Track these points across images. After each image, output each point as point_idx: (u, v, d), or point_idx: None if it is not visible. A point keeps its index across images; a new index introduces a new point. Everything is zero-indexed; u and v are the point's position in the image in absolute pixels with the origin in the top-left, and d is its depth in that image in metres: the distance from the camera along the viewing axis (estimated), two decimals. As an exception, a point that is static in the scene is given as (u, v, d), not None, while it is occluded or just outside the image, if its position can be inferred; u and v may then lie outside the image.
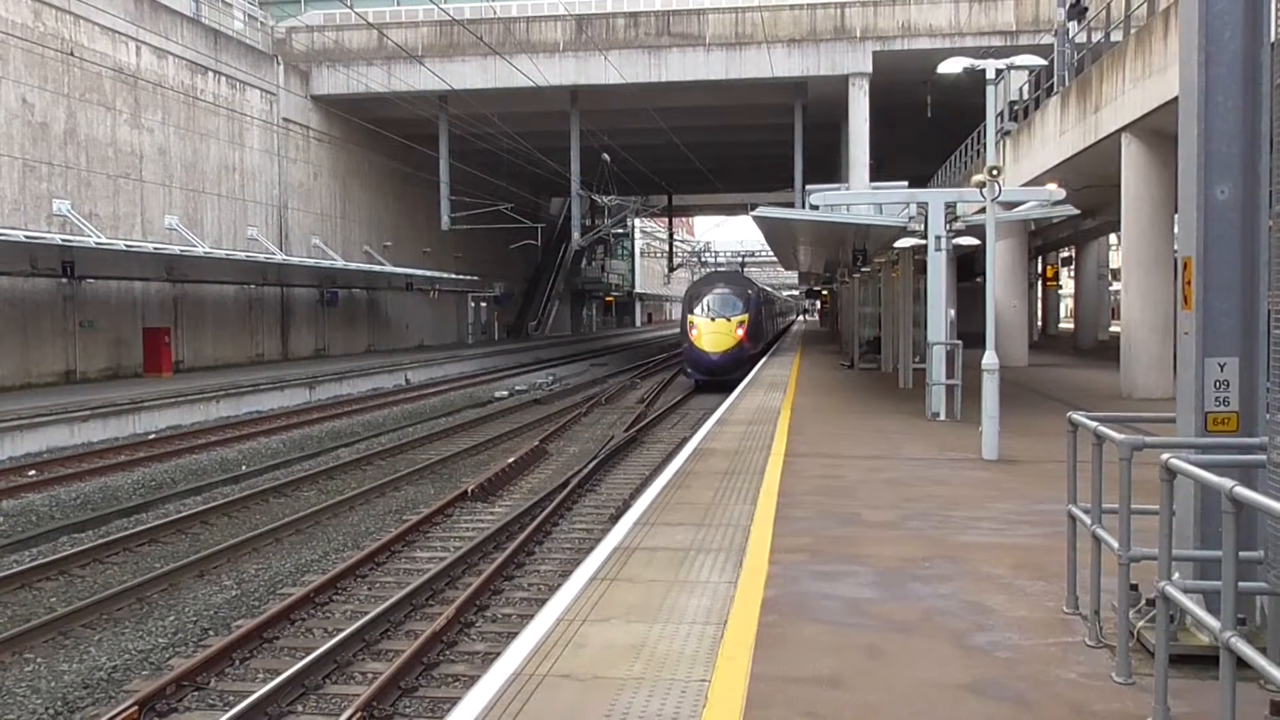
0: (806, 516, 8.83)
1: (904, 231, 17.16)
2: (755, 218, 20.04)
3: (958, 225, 16.62)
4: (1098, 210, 30.21)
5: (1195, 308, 5.25)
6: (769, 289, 60.91)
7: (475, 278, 46.56)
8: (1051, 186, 18.35)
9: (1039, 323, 50.30)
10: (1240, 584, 3.86)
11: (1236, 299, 5.19)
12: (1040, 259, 48.99)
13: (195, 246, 27.94)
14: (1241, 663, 3.65)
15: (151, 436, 20.92)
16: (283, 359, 35.45)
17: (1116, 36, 20.94)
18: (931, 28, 34.70)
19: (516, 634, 6.06)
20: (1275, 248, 4.52)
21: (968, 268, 35.60)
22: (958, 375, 16.00)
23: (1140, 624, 5.20)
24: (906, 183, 21.55)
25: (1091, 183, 23.87)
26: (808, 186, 30.68)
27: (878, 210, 18.70)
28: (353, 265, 36.52)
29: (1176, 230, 14.22)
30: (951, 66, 15.82)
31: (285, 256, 33.43)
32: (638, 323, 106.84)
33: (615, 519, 11.46)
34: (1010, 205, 17.25)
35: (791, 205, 36.56)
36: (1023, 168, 26.19)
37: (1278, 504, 3.73)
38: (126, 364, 27.57)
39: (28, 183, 24.56)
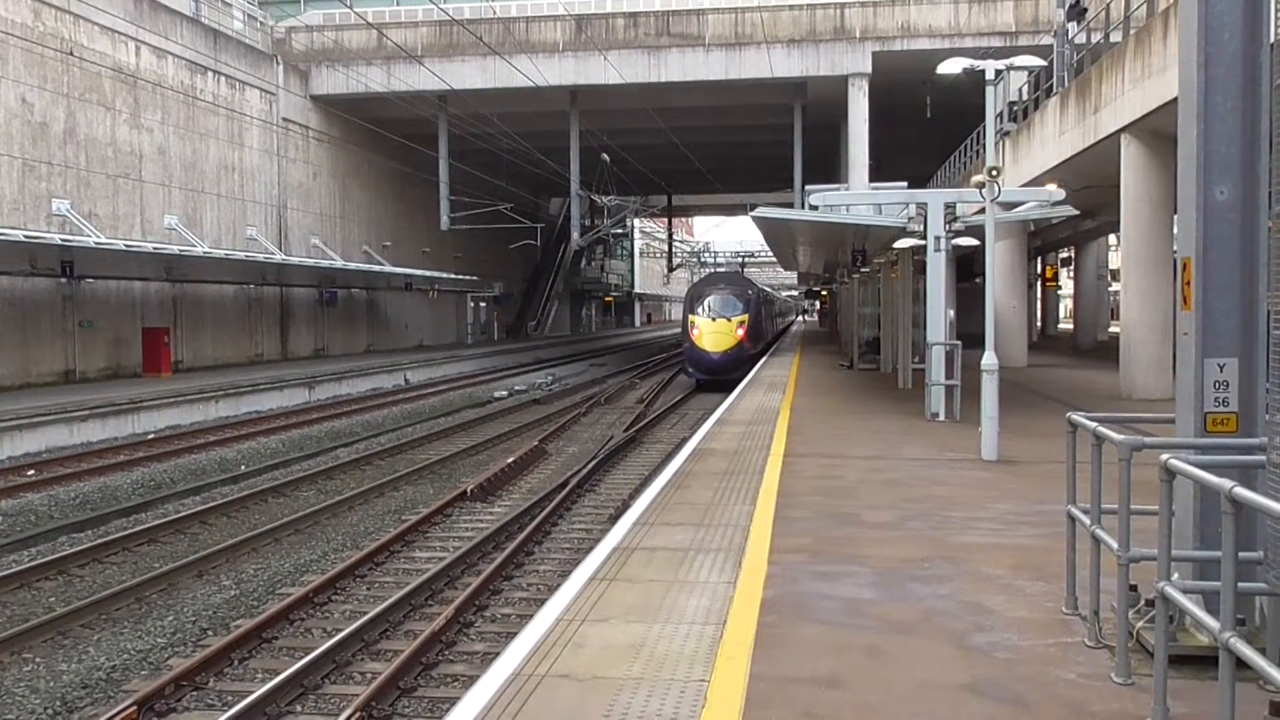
0: (806, 517, 8.83)
1: (903, 232, 17.17)
2: (755, 218, 20.05)
3: (957, 226, 16.63)
4: (1097, 211, 30.22)
5: (1195, 308, 5.25)
6: (768, 289, 60.97)
7: (474, 278, 46.55)
8: (1051, 187, 18.37)
9: (1038, 323, 50.33)
10: (1239, 584, 3.86)
11: (1236, 299, 5.19)
12: (1039, 259, 49.01)
13: (194, 246, 27.93)
14: (1241, 663, 3.65)
15: (150, 436, 20.91)
16: (282, 359, 35.44)
17: (1116, 37, 20.95)
18: (931, 28, 34.70)
19: (515, 634, 6.05)
20: (1274, 248, 4.52)
21: (967, 268, 35.61)
22: (957, 376, 16.00)
23: (1140, 624, 5.20)
24: (906, 183, 21.54)
25: (1091, 183, 23.88)
26: (807, 187, 30.72)
27: (877, 211, 18.70)
28: (352, 265, 36.51)
29: (1176, 231, 14.23)
30: (951, 67, 15.83)
31: (284, 256, 33.43)
32: (637, 323, 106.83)
33: (614, 519, 11.45)
34: (1010, 206, 17.26)
35: (791, 206, 36.56)
36: (1022, 168, 26.20)
37: (1277, 504, 3.73)
38: (126, 364, 27.56)
39: (27, 182, 24.55)
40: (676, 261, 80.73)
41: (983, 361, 12.63)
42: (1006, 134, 27.01)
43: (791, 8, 35.81)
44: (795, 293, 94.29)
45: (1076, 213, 18.19)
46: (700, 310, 32.39)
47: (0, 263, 23.03)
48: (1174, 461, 4.33)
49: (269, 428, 22.37)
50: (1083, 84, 21.27)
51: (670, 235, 74.57)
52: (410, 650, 8.01)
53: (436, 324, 48.97)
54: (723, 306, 32.31)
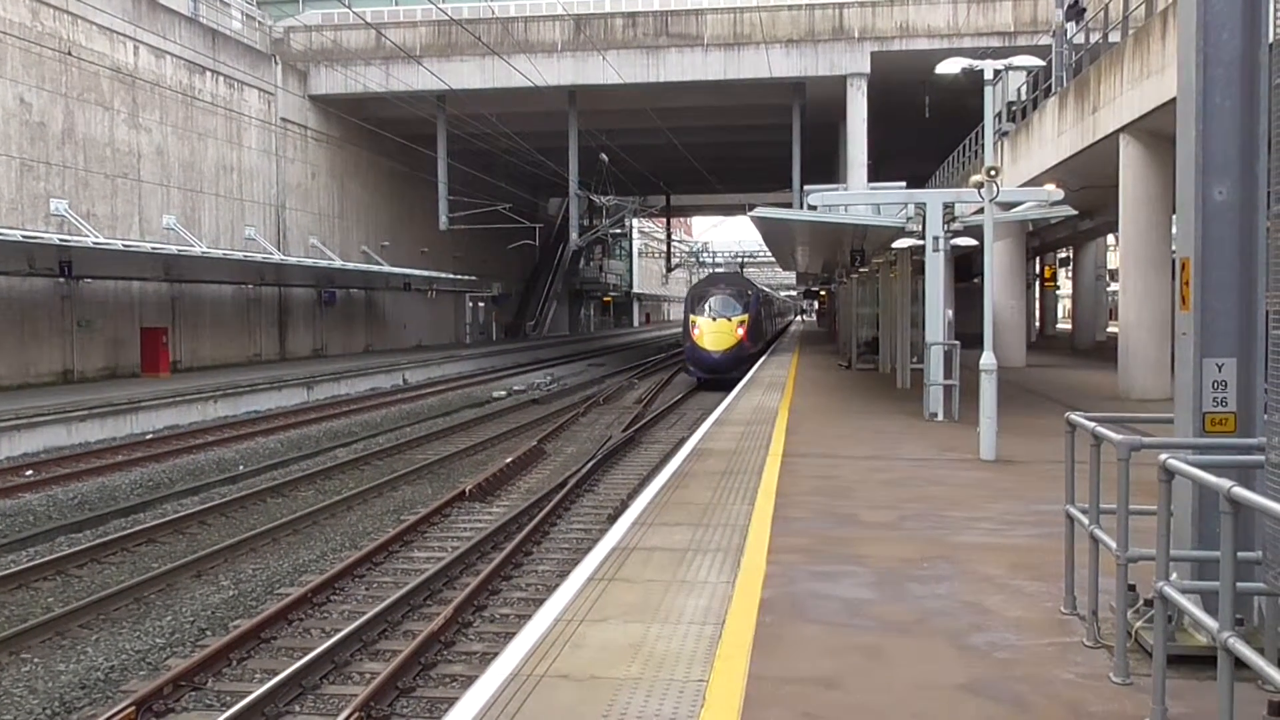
0: (804, 517, 8.83)
1: (902, 232, 17.17)
2: (753, 218, 20.06)
3: (956, 226, 16.62)
4: (1095, 211, 30.23)
5: (1193, 308, 5.25)
6: (768, 290, 61.04)
7: (473, 278, 46.53)
8: (1050, 187, 18.36)
9: (1037, 323, 50.34)
10: (1238, 584, 3.86)
11: (1234, 300, 5.19)
12: (1038, 259, 48.99)
13: (193, 246, 27.91)
14: (1239, 663, 3.65)
15: (149, 436, 20.90)
16: (280, 359, 35.42)
17: (1114, 37, 20.96)
18: (930, 28, 34.70)
19: (514, 634, 6.05)
20: (1273, 248, 4.52)
21: (966, 268, 35.65)
22: (955, 375, 16.01)
23: (1138, 624, 5.20)
24: (904, 183, 21.53)
25: (1089, 183, 23.89)
26: (806, 187, 30.73)
27: (876, 211, 18.70)
28: (350, 265, 36.49)
29: (1174, 231, 14.24)
30: (949, 67, 15.82)
31: (283, 256, 33.42)
32: (635, 323, 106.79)
33: (613, 519, 11.44)
34: (1008, 206, 17.26)
35: (790, 206, 36.56)
36: (1021, 168, 26.21)
37: (1276, 504, 3.73)
38: (124, 364, 27.54)
39: (25, 182, 24.54)
40: (675, 261, 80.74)
41: (981, 361, 12.63)
42: (1005, 134, 27.02)
43: (790, 8, 35.82)
44: (794, 293, 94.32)
45: (1075, 213, 18.19)
46: (701, 310, 32.99)
47: (-2, 263, 23.05)
48: (1172, 461, 4.33)
49: (267, 428, 22.36)
50: (1081, 84, 21.28)
51: (669, 235, 74.57)
52: (409, 650, 8.01)
53: (435, 324, 48.95)
54: (723, 306, 32.91)
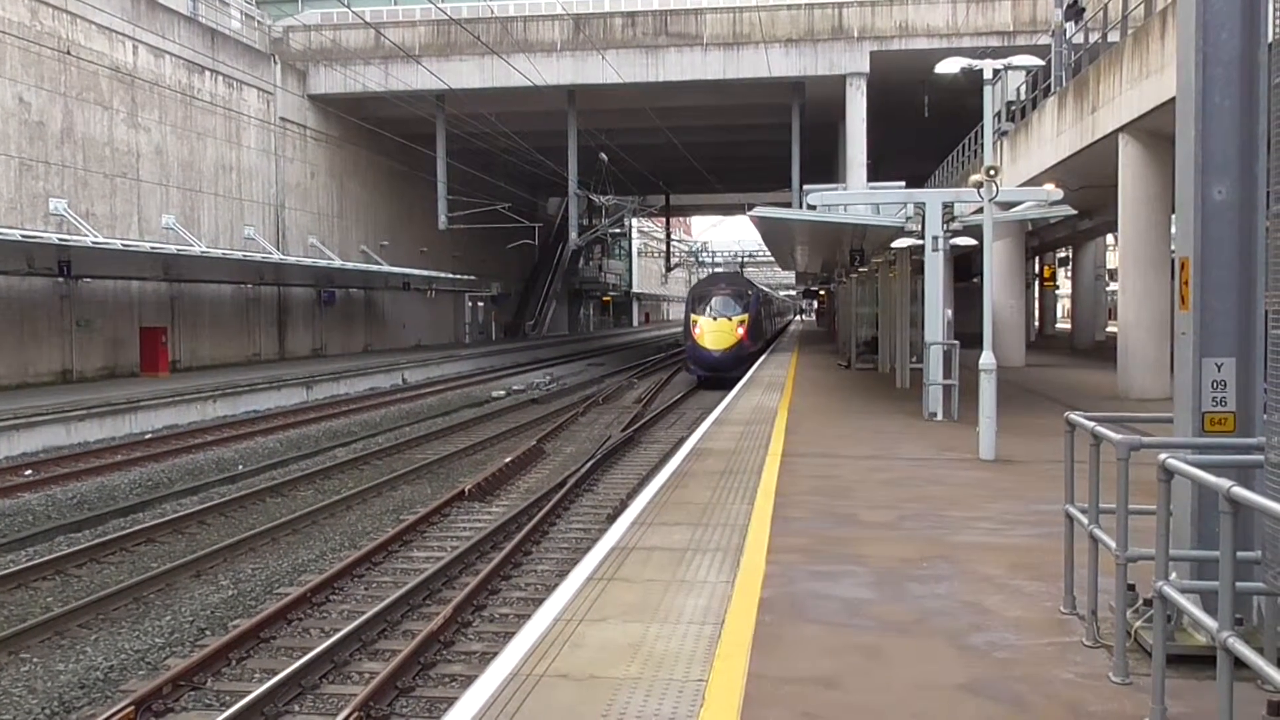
0: (804, 516, 8.83)
1: (901, 232, 17.17)
2: (753, 218, 20.06)
3: (955, 225, 16.63)
4: (1095, 211, 30.23)
5: (1193, 308, 5.25)
6: (767, 289, 61.08)
7: (472, 277, 46.52)
8: (1049, 187, 18.37)
9: (1036, 323, 50.36)
10: (1237, 584, 3.86)
11: (1234, 299, 5.20)
12: (1037, 259, 49.01)
13: (192, 246, 27.90)
14: (1239, 663, 3.65)
15: (148, 436, 20.90)
16: (279, 359, 35.42)
17: (1114, 37, 20.97)
18: (929, 28, 34.70)
19: (514, 634, 6.05)
20: (1272, 248, 4.52)
21: (965, 268, 35.67)
22: (955, 375, 16.01)
23: (1137, 624, 5.20)
24: (904, 183, 21.55)
25: (1089, 183, 23.90)
26: (805, 186, 30.75)
27: (875, 210, 18.70)
28: (350, 265, 36.47)
29: (1174, 231, 14.21)
30: (949, 66, 15.82)
31: (282, 256, 33.41)
32: (635, 322, 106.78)
33: (612, 519, 11.44)
34: (1008, 206, 17.25)
35: (789, 205, 36.56)
36: (1020, 168, 26.22)
37: (1275, 504, 3.73)
38: (123, 363, 27.53)
39: (24, 182, 24.53)
40: (674, 261, 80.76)
41: (980, 361, 12.64)
42: (1004, 134, 27.02)
43: (789, 7, 35.81)
44: (793, 292, 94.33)
45: (1074, 212, 18.18)
46: (702, 310, 33.49)
47: (-3, 262, 23.04)
48: (1172, 461, 4.33)
49: (267, 427, 22.36)
50: (1080, 84, 21.28)
51: (668, 235, 74.60)
52: (408, 650, 8.01)
53: (434, 324, 48.95)
54: (724, 306, 33.43)
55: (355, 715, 6.88)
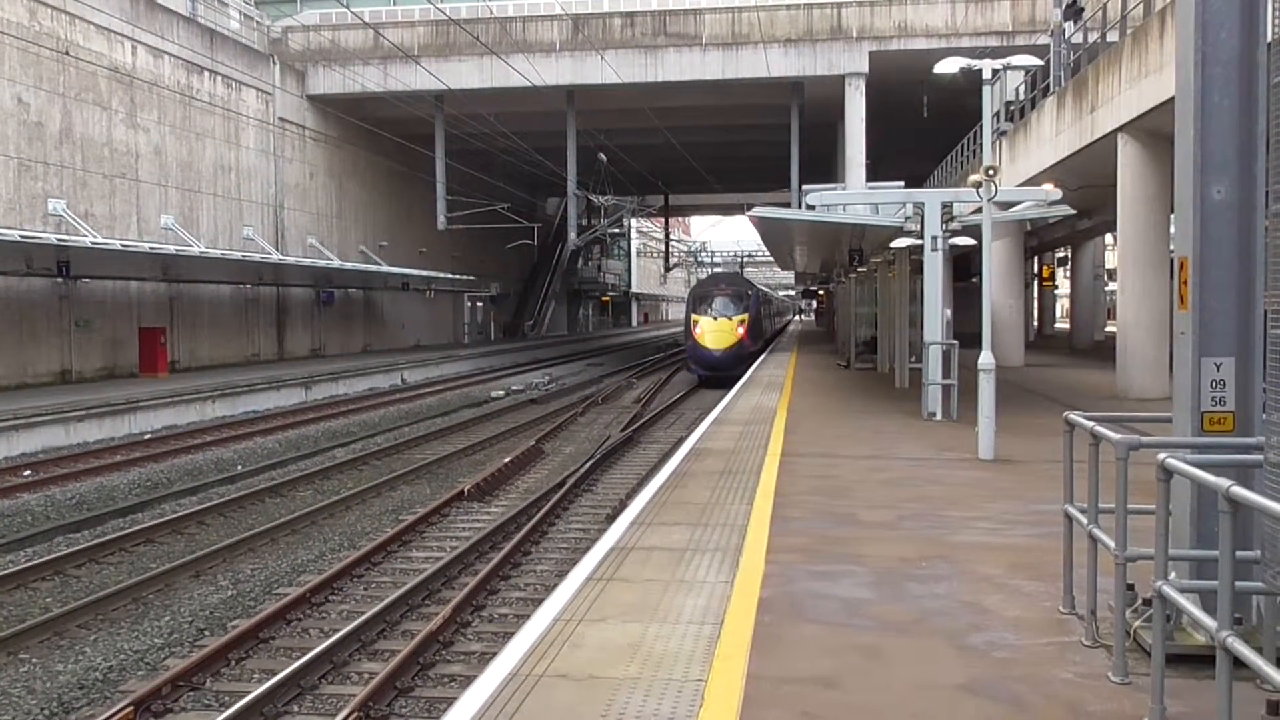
0: (803, 516, 8.83)
1: (900, 231, 17.17)
2: (752, 218, 20.06)
3: (954, 225, 16.63)
4: (1094, 210, 30.24)
5: (1192, 308, 5.25)
6: (766, 289, 61.12)
7: (471, 278, 46.52)
8: (1048, 187, 18.36)
9: (1035, 323, 50.37)
10: (1236, 583, 3.86)
11: (1233, 299, 5.20)
12: (1036, 259, 49.03)
13: (191, 246, 27.89)
14: (1238, 662, 3.65)
15: (147, 436, 20.89)
16: (278, 359, 35.41)
17: (1113, 37, 20.97)
18: (928, 28, 34.70)
19: (513, 634, 6.05)
20: (1272, 248, 4.52)
21: (964, 268, 35.67)
22: (954, 375, 16.01)
23: (1137, 624, 5.20)
24: (903, 183, 21.55)
25: (1088, 183, 23.90)
26: (804, 186, 30.77)
27: (874, 210, 18.70)
28: (349, 265, 36.47)
29: (1173, 230, 14.20)
30: (948, 66, 15.80)
31: (281, 256, 33.40)
32: (634, 323, 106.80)
33: (612, 519, 11.45)
34: (1006, 205, 17.25)
35: (788, 205, 36.57)
36: (1019, 168, 26.22)
37: (1274, 503, 3.73)
38: (122, 364, 27.52)
39: (23, 182, 24.52)
40: (673, 261, 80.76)
41: (979, 361, 12.64)
42: (1003, 134, 27.02)
43: (788, 7, 35.82)
44: (792, 292, 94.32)
45: (1073, 212, 18.19)
46: (703, 309, 34.02)
47: (-4, 263, 23.03)
48: (1171, 461, 4.33)
49: (266, 428, 22.35)
50: (1079, 84, 21.29)
51: (667, 235, 74.59)
52: (407, 650, 8.01)
53: (433, 324, 48.94)
54: (724, 306, 33.96)
55: (354, 715, 6.88)
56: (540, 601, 6.84)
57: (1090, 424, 5.36)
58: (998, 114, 23.90)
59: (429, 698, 7.49)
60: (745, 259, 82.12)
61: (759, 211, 19.12)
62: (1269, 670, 3.46)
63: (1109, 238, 43.39)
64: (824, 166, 45.31)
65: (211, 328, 31.79)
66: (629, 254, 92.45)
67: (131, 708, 7.02)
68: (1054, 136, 23.11)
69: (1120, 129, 18.92)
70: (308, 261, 34.34)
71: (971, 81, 15.45)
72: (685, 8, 36.96)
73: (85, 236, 24.05)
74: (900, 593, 6.52)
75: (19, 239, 20.99)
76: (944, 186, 29.81)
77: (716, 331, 33.20)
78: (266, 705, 7.16)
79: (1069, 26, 25.39)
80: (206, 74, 31.84)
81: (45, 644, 8.80)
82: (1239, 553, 3.91)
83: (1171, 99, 5.85)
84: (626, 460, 18.10)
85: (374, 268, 38.47)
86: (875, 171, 35.87)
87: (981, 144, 17.46)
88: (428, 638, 8.31)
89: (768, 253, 48.37)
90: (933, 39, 34.14)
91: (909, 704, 4.74)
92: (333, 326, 39.67)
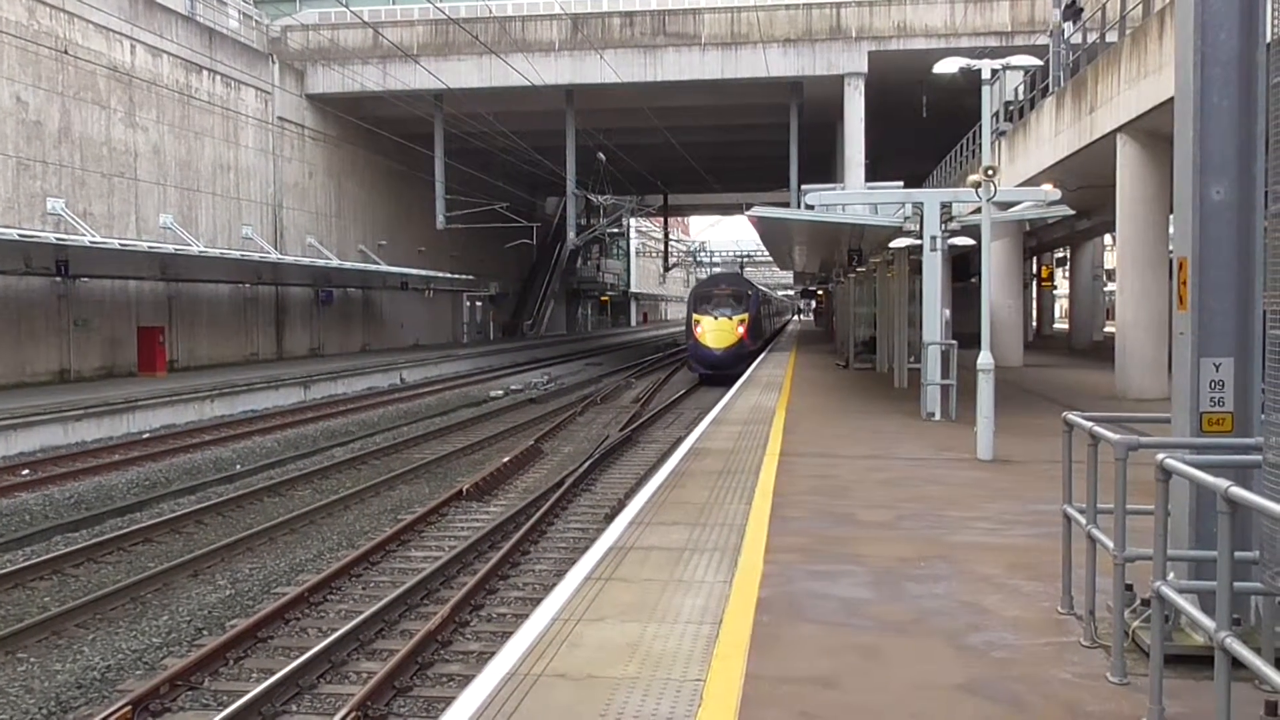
0: (802, 516, 8.83)
1: (899, 231, 17.16)
2: (751, 217, 20.07)
3: (953, 225, 16.63)
4: (1093, 211, 30.25)
5: (1191, 308, 5.25)
6: (765, 289, 61.20)
7: (470, 277, 46.52)
8: (1047, 187, 18.36)
9: (1034, 323, 50.39)
10: (1235, 584, 3.86)
11: (1232, 299, 5.19)
12: (1035, 259, 49.05)
13: (190, 245, 27.88)
14: (1236, 663, 3.65)
15: (146, 436, 20.88)
16: (277, 358, 35.39)
17: (1112, 37, 20.98)
18: (927, 28, 34.71)
19: (511, 633, 6.04)
20: (1271, 248, 4.52)
21: (963, 268, 35.69)
22: (953, 375, 16.01)
23: (1135, 624, 5.20)
24: (902, 183, 21.56)
25: (1087, 183, 23.91)
26: (803, 186, 30.83)
27: (873, 210, 18.71)
28: (348, 264, 36.46)
29: (1172, 231, 14.19)
30: (947, 66, 15.82)
31: (280, 255, 33.39)
32: (633, 322, 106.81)
33: (610, 518, 11.45)
34: (1005, 206, 17.25)
35: (787, 205, 36.58)
36: (1018, 168, 26.23)
37: (1273, 504, 3.73)
38: (121, 363, 27.51)
39: (21, 181, 24.50)
40: (672, 261, 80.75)
41: (978, 361, 12.64)
42: (1003, 134, 27.03)
43: (787, 7, 35.82)
44: (791, 292, 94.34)
45: (1072, 213, 18.19)
46: (703, 309, 34.66)
47: (-5, 262, 23.01)
48: (1170, 461, 4.32)
49: (264, 427, 22.34)
50: (1079, 84, 21.29)
51: (666, 235, 74.59)
52: (406, 650, 8.00)
53: (432, 323, 48.94)
54: (725, 306, 34.62)
55: (353, 715, 6.87)
56: (539, 601, 6.84)
57: (1089, 424, 5.36)
58: (997, 114, 23.93)
59: (427, 697, 7.49)
60: (744, 259, 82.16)
61: (758, 211, 19.13)
62: (1267, 671, 3.46)
63: (1108, 238, 43.39)
64: (823, 166, 45.32)
65: (210, 327, 31.78)
66: (628, 254, 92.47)
67: (129, 707, 7.01)
68: (1053, 137, 23.11)
69: (1119, 129, 18.92)
70: (306, 261, 34.33)
71: (971, 81, 15.46)
72: (684, 7, 36.97)
73: (84, 236, 24.04)
74: (899, 592, 6.51)
75: (17, 238, 20.97)
76: (943, 186, 29.82)
77: (717, 331, 33.79)
78: (265, 705, 7.15)
79: (1068, 27, 25.40)
80: (205, 73, 31.83)
81: (43, 643, 8.80)
82: (1237, 553, 3.91)
83: (1171, 99, 5.85)
84: (625, 460, 18.10)
85: (373, 267, 38.47)
86: (874, 171, 35.88)
87: (981, 144, 17.47)
88: (426, 637, 8.31)
89: (767, 253, 48.41)
90: (932, 39, 34.15)
91: (907, 704, 4.74)
92: (331, 326, 39.65)
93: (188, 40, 31.05)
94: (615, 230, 68.11)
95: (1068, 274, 48.67)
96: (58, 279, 24.95)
